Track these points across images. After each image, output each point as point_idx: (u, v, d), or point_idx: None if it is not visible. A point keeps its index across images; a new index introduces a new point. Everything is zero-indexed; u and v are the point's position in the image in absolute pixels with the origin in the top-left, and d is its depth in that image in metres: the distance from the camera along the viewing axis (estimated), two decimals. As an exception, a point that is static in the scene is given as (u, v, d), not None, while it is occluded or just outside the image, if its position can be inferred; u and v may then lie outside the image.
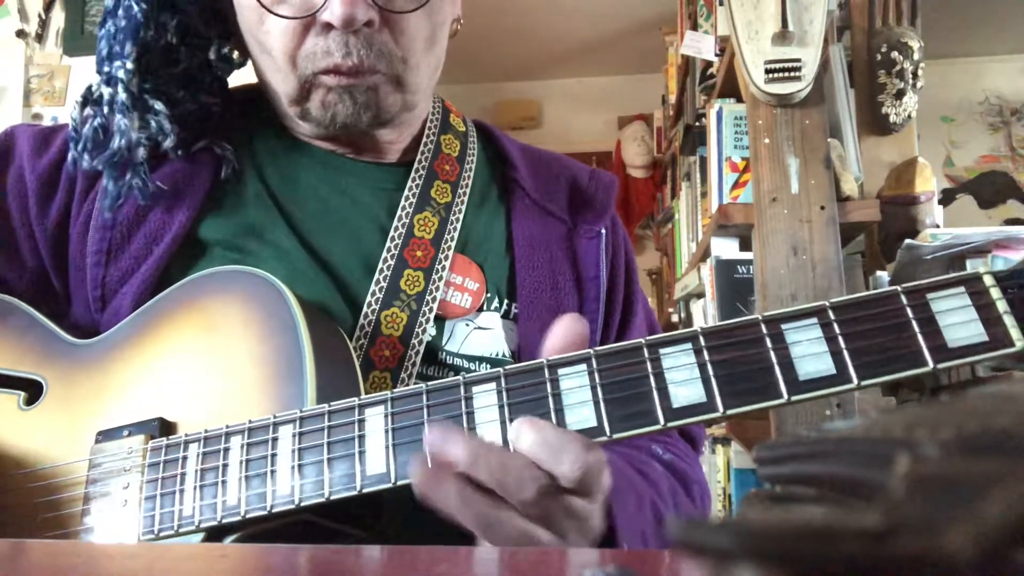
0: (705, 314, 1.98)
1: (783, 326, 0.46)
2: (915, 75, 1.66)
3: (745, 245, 1.69)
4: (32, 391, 0.62)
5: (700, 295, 2.12)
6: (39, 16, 2.92)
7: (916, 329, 0.45)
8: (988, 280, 0.46)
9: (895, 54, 1.64)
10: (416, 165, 0.73)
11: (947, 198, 3.80)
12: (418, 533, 0.60)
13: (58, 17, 2.94)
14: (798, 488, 0.21)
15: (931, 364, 0.44)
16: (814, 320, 0.46)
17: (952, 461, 0.13)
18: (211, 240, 0.67)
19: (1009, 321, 0.44)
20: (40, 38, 2.92)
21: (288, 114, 0.69)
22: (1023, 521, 0.11)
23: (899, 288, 0.46)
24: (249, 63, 0.73)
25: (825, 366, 0.45)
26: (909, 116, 1.69)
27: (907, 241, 1.39)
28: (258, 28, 0.64)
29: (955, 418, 0.16)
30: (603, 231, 0.75)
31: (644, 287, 4.17)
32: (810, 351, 0.46)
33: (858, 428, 0.19)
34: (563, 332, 0.50)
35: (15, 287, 0.69)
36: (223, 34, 0.72)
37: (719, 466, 2.02)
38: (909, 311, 0.46)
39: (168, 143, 0.67)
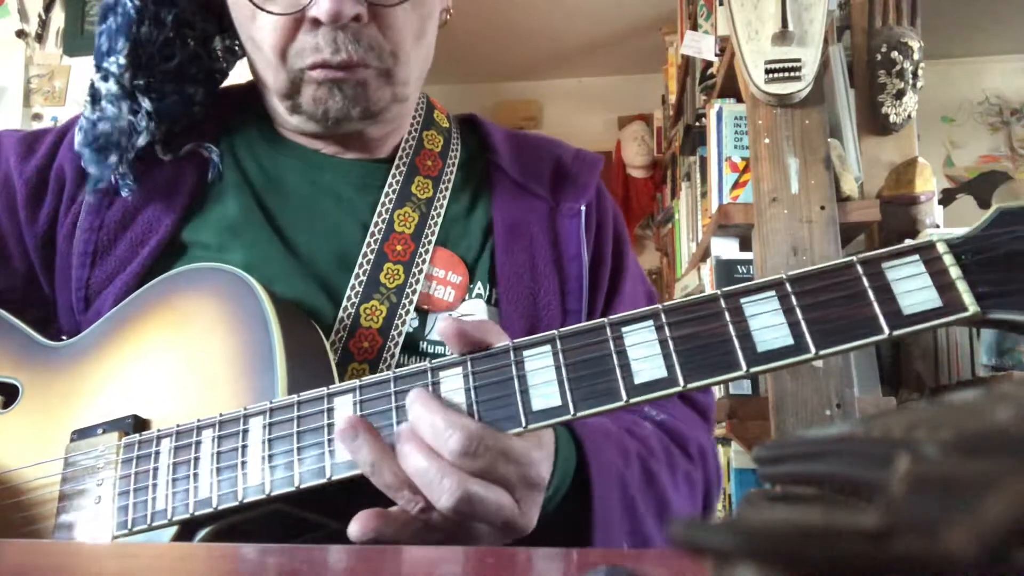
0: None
1: (742, 300, 0.47)
2: (915, 75, 1.66)
3: (745, 245, 1.69)
4: (8, 394, 0.63)
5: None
6: (39, 16, 2.92)
7: (872, 298, 0.46)
8: (941, 247, 0.47)
9: (895, 54, 1.64)
10: (397, 161, 0.74)
11: (947, 198, 3.80)
12: None
13: (58, 17, 2.94)
14: (798, 488, 0.21)
15: (887, 331, 0.45)
16: (772, 293, 0.47)
17: (952, 461, 0.13)
18: (193, 241, 0.68)
19: (962, 287, 0.45)
20: (40, 38, 2.92)
21: (279, 108, 0.70)
22: (1023, 521, 0.11)
23: (855, 258, 0.47)
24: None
25: (783, 337, 0.46)
26: (909, 116, 1.69)
27: (907, 241, 1.38)
28: (250, 24, 0.65)
29: (955, 418, 0.16)
30: (583, 208, 0.75)
31: (644, 287, 4.16)
32: (768, 323, 0.47)
33: (858, 428, 0.19)
34: (449, 335, 0.51)
35: (7, 293, 0.69)
36: (220, 28, 0.73)
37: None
38: (865, 280, 0.46)
39: (141, 140, 0.68)
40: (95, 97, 0.68)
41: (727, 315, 0.47)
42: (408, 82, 0.69)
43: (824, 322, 0.46)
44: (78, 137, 0.68)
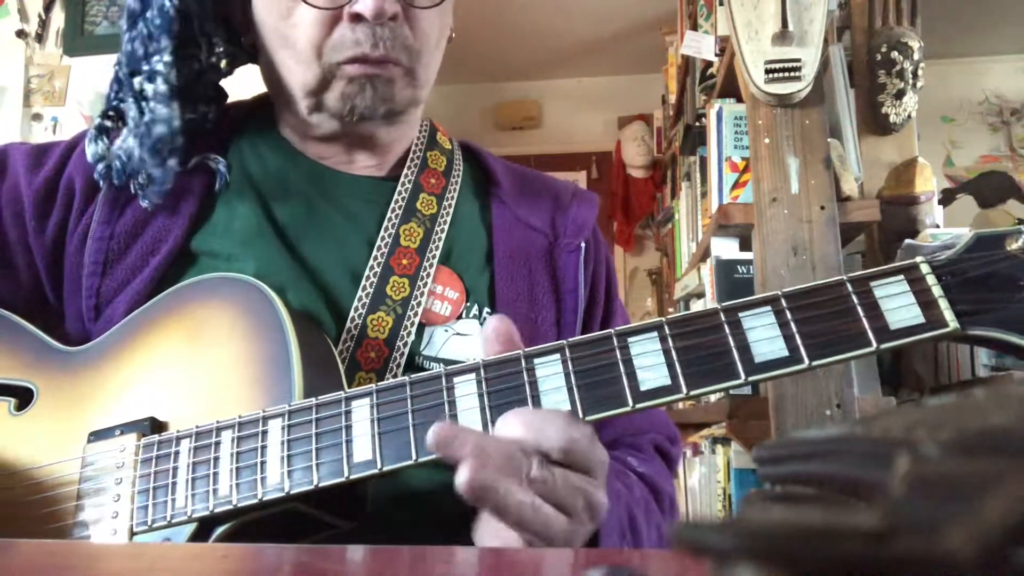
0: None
1: (740, 314, 0.51)
2: (915, 75, 1.66)
3: (745, 245, 1.69)
4: (23, 397, 0.63)
5: (700, 295, 2.12)
6: (39, 16, 2.92)
7: (861, 314, 0.50)
8: (924, 268, 0.51)
9: (895, 54, 1.64)
10: (402, 179, 0.76)
11: (947, 198, 3.79)
12: (401, 524, 0.61)
13: (58, 17, 2.94)
14: (798, 488, 0.21)
15: (875, 345, 0.49)
16: (768, 308, 0.51)
17: (952, 461, 0.14)
18: (203, 251, 0.69)
19: (943, 304, 0.49)
20: (40, 38, 2.92)
21: (300, 108, 0.71)
22: (1023, 521, 0.11)
23: (845, 277, 0.51)
24: (238, 72, 0.77)
25: (779, 349, 0.50)
26: (909, 116, 1.69)
27: (907, 241, 1.38)
28: (284, 21, 0.67)
29: (955, 418, 0.16)
30: (583, 245, 0.78)
31: (644, 287, 4.17)
32: (765, 336, 0.50)
33: (858, 428, 0.19)
34: (490, 331, 0.54)
35: (10, 301, 0.70)
36: (227, 38, 0.74)
37: (719, 466, 2.02)
38: (854, 297, 0.50)
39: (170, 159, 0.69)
40: (142, 99, 0.69)
41: (726, 328, 0.50)
42: (425, 85, 0.72)
43: (817, 336, 0.49)
44: (132, 142, 0.68)
